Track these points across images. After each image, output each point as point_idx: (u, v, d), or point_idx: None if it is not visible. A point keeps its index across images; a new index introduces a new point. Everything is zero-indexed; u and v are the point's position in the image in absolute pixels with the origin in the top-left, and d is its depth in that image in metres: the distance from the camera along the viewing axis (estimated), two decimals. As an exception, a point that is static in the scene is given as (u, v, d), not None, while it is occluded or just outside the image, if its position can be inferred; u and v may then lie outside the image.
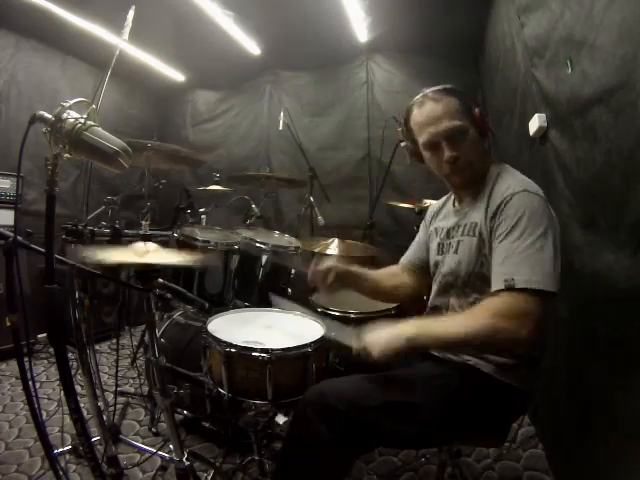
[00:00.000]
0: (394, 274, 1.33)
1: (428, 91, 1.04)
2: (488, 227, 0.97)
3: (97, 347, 2.65)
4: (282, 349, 1.19)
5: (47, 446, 0.97)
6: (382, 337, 0.92)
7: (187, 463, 1.13)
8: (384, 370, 1.04)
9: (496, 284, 0.89)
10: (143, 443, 1.63)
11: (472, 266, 1.02)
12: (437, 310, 1.15)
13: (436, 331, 0.92)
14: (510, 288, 0.85)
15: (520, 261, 0.86)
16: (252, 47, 3.23)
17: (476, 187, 1.06)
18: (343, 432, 0.90)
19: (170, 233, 1.82)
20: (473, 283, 1.04)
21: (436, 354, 1.10)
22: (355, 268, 1.22)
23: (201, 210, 2.30)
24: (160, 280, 1.15)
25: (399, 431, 0.93)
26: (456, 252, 1.08)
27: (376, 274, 1.29)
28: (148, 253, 0.98)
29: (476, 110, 1.00)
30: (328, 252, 2.05)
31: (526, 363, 1.00)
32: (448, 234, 1.13)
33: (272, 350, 1.18)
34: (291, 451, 1.01)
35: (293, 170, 3.42)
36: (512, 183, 0.97)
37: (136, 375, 2.28)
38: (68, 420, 1.18)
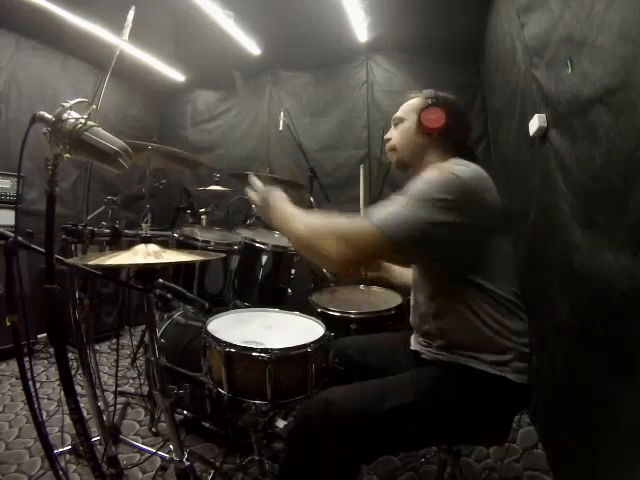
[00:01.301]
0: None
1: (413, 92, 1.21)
2: None
3: (97, 347, 2.65)
4: (282, 349, 1.19)
5: (47, 446, 0.97)
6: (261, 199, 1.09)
7: (187, 463, 1.13)
8: (381, 375, 1.04)
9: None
10: (143, 443, 1.63)
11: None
12: (414, 308, 1.20)
13: (286, 214, 1.03)
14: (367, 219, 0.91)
15: (384, 206, 0.93)
16: (252, 47, 3.23)
17: (417, 172, 1.10)
18: (349, 441, 0.90)
19: (170, 233, 1.82)
20: (423, 278, 1.09)
21: (426, 357, 1.10)
22: None
23: (201, 210, 2.30)
24: (160, 280, 1.15)
25: (406, 435, 0.94)
26: None
27: None
28: (149, 255, 0.97)
29: (426, 111, 1.09)
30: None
31: (516, 357, 0.99)
32: None
33: (272, 350, 1.18)
34: (295, 461, 0.98)
35: (293, 170, 3.42)
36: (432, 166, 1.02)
37: (136, 375, 2.28)
38: (68, 420, 1.18)
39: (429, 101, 1.11)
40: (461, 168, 0.96)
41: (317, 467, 0.92)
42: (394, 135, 1.18)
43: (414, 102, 1.16)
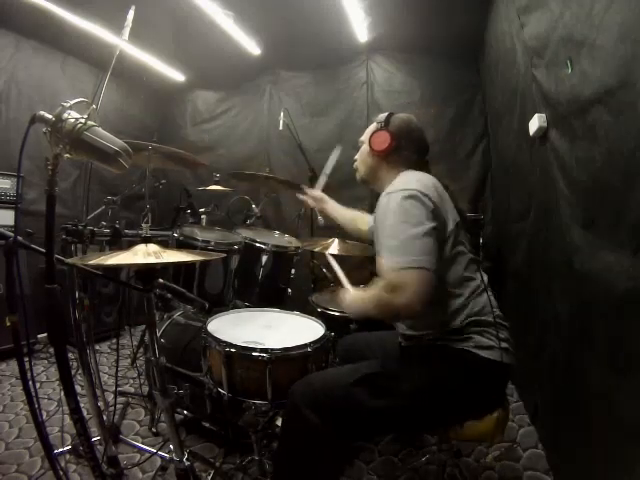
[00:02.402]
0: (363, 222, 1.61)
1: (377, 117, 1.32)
2: (375, 226, 1.20)
3: (97, 347, 2.65)
4: (282, 349, 1.19)
5: (47, 446, 0.97)
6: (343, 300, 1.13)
7: (187, 463, 1.13)
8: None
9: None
10: (143, 443, 1.63)
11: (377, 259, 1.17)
12: None
13: (362, 307, 1.08)
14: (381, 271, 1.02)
15: (387, 247, 1.04)
16: (252, 47, 3.23)
17: (378, 188, 1.28)
18: (332, 417, 0.99)
19: (170, 233, 1.82)
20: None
21: (405, 345, 1.20)
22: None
23: (201, 210, 2.30)
24: (160, 280, 1.15)
25: (383, 405, 1.00)
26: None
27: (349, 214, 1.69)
28: (149, 255, 0.97)
29: (374, 135, 1.23)
30: (328, 252, 2.05)
31: (475, 332, 1.06)
32: None
33: (272, 350, 1.18)
34: (287, 444, 1.07)
35: (293, 170, 3.42)
36: (388, 188, 1.14)
37: (136, 375, 2.28)
38: (68, 420, 1.19)
39: (379, 126, 1.24)
40: (402, 184, 1.10)
41: (305, 444, 1.00)
42: (357, 157, 1.34)
43: (372, 127, 1.29)
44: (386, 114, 1.26)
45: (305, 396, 1.02)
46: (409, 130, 1.25)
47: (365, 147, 1.29)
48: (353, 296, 1.11)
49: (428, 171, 1.22)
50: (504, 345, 1.05)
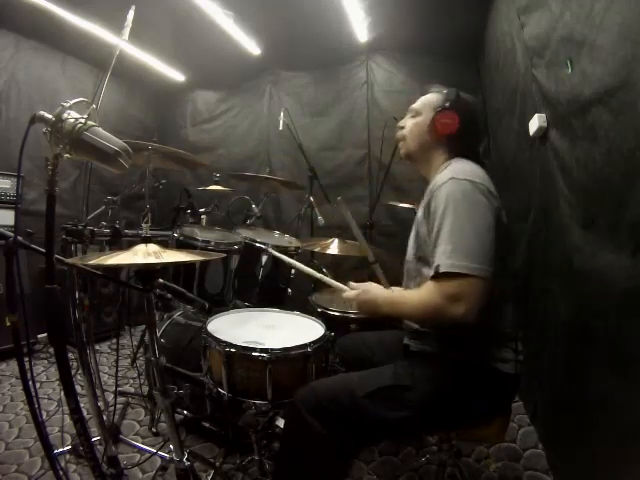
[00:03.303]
0: None
1: (436, 87, 1.19)
2: (423, 214, 1.05)
3: (97, 347, 2.65)
4: (282, 349, 1.19)
5: (47, 446, 0.97)
6: (361, 299, 1.07)
7: (187, 463, 1.13)
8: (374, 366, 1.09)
9: (431, 271, 0.95)
10: (143, 443, 1.63)
11: (414, 249, 1.12)
12: None
13: (397, 310, 1.04)
14: (437, 274, 0.91)
15: (443, 249, 0.92)
16: (252, 47, 3.23)
17: (422, 168, 1.19)
18: (337, 426, 0.95)
19: (170, 233, 1.82)
20: (416, 266, 1.11)
21: (415, 350, 1.12)
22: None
23: (201, 210, 2.30)
24: (160, 280, 1.15)
25: (390, 417, 0.97)
26: (410, 238, 1.18)
27: None
28: (149, 255, 0.97)
29: (441, 112, 1.10)
30: (328, 252, 2.05)
31: (505, 347, 1.02)
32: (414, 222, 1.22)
33: (272, 350, 1.18)
34: (288, 451, 1.03)
35: (293, 170, 3.42)
36: (445, 174, 1.02)
37: (136, 375, 2.28)
38: (68, 420, 1.19)
39: (447, 104, 1.10)
40: (464, 171, 0.99)
41: (307, 451, 0.96)
42: (407, 125, 1.18)
43: (434, 98, 1.14)
44: (453, 90, 1.12)
45: (309, 404, 0.97)
46: (475, 117, 1.15)
47: (423, 121, 1.14)
48: (383, 295, 1.04)
49: (481, 163, 1.09)
50: (520, 357, 1.02)
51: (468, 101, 1.15)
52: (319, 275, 1.28)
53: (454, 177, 0.97)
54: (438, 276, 0.91)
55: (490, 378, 1.00)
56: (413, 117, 1.18)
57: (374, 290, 1.08)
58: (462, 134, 1.09)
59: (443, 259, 0.90)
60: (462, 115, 1.09)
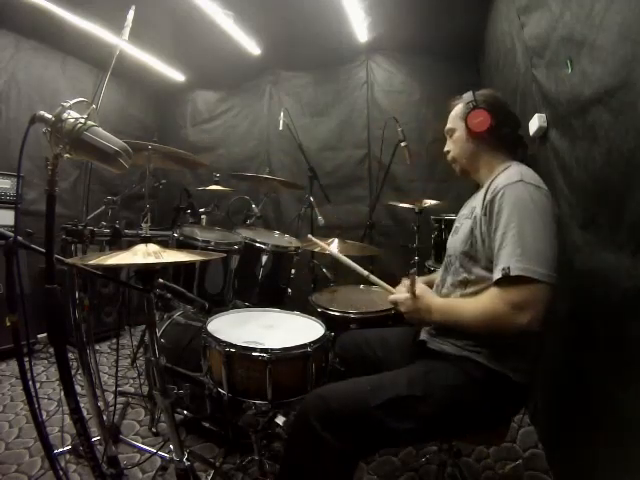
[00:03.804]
0: None
1: (455, 99, 1.23)
2: (482, 211, 1.03)
3: (97, 347, 2.65)
4: (282, 349, 1.19)
5: (47, 446, 0.97)
6: (411, 307, 1.03)
7: (187, 463, 1.13)
8: (382, 370, 1.07)
9: (496, 274, 0.93)
10: (143, 443, 1.63)
11: (464, 245, 1.08)
12: (438, 287, 1.20)
13: (452, 318, 1.00)
14: (506, 277, 0.89)
15: (512, 251, 0.90)
16: (252, 47, 3.23)
17: (479, 177, 1.18)
18: (347, 437, 0.92)
19: (170, 233, 1.82)
20: (462, 262, 1.09)
21: (433, 347, 1.10)
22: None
23: (201, 210, 2.30)
24: (160, 280, 1.15)
25: (403, 428, 0.94)
26: (457, 233, 1.16)
27: None
28: (149, 255, 0.97)
29: (469, 115, 1.12)
30: (328, 252, 2.05)
31: (522, 355, 1.01)
32: (459, 218, 1.22)
33: (272, 350, 1.18)
34: (294, 460, 1.00)
35: (293, 170, 3.42)
36: (511, 175, 1.01)
37: (136, 375, 2.28)
38: (68, 420, 1.18)
39: (470, 105, 1.13)
40: (530, 175, 1.00)
41: (315, 462, 0.93)
42: (451, 147, 1.22)
43: (457, 109, 1.19)
44: (469, 92, 1.15)
45: (319, 413, 0.94)
46: (502, 104, 1.15)
47: (460, 134, 1.17)
48: (437, 303, 1.01)
49: (525, 146, 1.14)
50: (532, 367, 1.02)
51: (487, 93, 1.16)
52: (373, 278, 1.26)
53: (523, 180, 0.97)
54: (502, 281, 0.90)
55: (503, 388, 0.99)
56: (451, 137, 1.22)
57: (427, 297, 1.04)
58: (499, 123, 1.11)
59: (513, 262, 0.88)
60: (488, 108, 1.11)
